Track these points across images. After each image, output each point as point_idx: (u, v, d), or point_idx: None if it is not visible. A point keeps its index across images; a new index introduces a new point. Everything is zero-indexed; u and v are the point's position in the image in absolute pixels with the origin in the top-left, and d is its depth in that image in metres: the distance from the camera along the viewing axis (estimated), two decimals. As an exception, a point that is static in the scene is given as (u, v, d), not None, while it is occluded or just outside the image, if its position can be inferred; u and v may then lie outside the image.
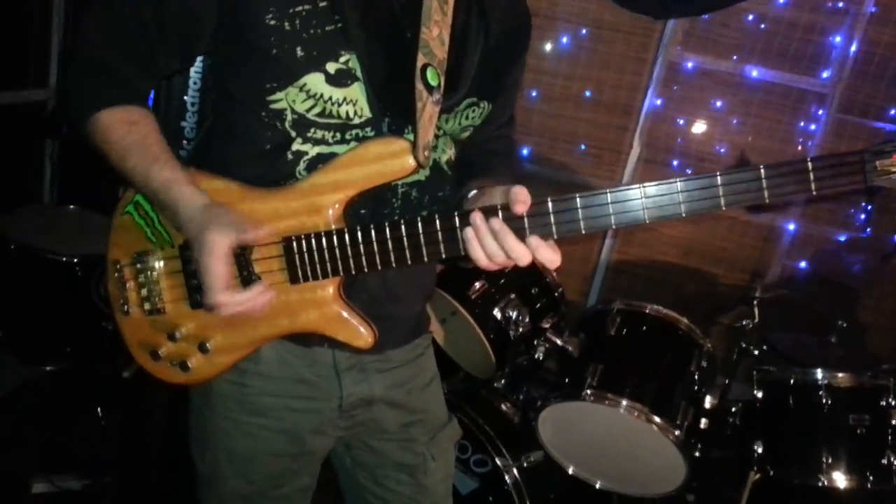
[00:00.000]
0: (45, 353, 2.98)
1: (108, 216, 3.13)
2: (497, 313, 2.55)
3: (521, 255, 1.08)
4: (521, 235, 1.08)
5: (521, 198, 1.07)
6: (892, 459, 2.22)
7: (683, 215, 1.01)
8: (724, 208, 0.99)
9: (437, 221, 1.12)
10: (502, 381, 2.58)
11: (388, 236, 1.14)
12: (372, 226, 1.15)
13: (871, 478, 2.22)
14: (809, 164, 0.95)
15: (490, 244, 1.09)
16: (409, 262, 1.15)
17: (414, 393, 1.46)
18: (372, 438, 1.45)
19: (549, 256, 1.09)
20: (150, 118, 1.24)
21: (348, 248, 1.16)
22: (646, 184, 1.01)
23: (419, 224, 1.13)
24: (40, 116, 3.55)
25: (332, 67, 1.17)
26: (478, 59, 1.30)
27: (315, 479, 1.48)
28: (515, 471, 2.28)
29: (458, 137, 1.36)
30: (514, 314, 2.54)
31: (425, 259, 1.14)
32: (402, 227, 1.14)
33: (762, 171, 0.97)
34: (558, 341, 2.47)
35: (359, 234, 1.16)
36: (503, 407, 2.52)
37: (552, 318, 2.71)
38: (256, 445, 1.35)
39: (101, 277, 1.42)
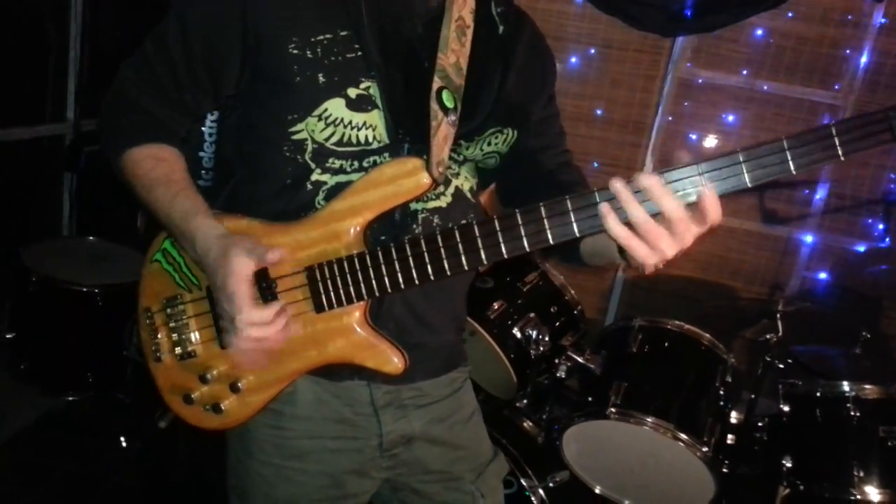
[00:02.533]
0: (66, 383, 2.99)
1: (126, 245, 3.16)
2: (517, 332, 2.54)
3: (680, 214, 0.97)
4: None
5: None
6: (925, 472, 2.19)
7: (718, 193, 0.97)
8: (749, 185, 0.96)
9: (457, 234, 1.11)
10: (524, 401, 2.56)
11: (409, 253, 1.14)
12: (392, 245, 1.16)
13: (904, 491, 2.18)
14: (833, 129, 0.92)
15: (637, 211, 0.98)
16: (432, 276, 1.14)
17: (456, 429, 1.44)
18: (417, 480, 1.42)
19: (716, 205, 0.98)
20: (177, 155, 1.26)
21: (370, 270, 1.16)
22: (664, 170, 0.99)
23: (438, 238, 1.13)
24: (58, 150, 3.60)
25: (353, 93, 1.19)
26: (496, 87, 1.31)
27: None
28: (542, 491, 2.25)
29: (486, 165, 1.36)
30: (534, 333, 2.52)
31: (448, 272, 1.13)
32: (423, 242, 1.13)
33: (784, 142, 0.95)
34: (580, 359, 2.45)
35: (380, 255, 1.16)
36: (526, 426, 2.50)
37: (572, 336, 2.69)
38: (297, 491, 1.33)
39: (133, 327, 1.43)
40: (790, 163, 0.95)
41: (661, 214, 0.98)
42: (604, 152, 3.93)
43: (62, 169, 3.65)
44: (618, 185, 0.98)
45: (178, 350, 1.30)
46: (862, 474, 2.20)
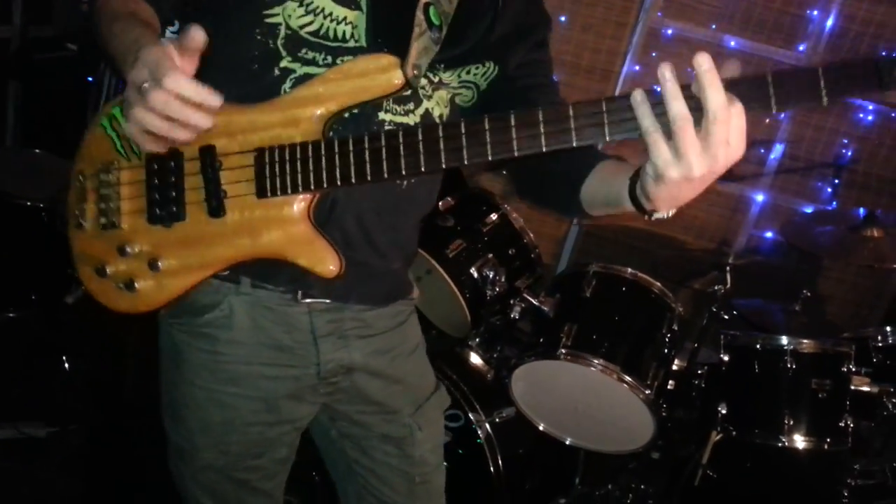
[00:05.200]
0: (8, 300, 2.90)
1: (73, 161, 3.05)
2: (474, 272, 2.55)
3: (723, 115, 0.87)
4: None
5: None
6: (848, 422, 2.31)
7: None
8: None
9: (419, 132, 1.07)
10: (476, 340, 2.60)
11: (367, 146, 1.09)
12: (350, 136, 1.10)
13: (828, 439, 2.31)
14: (820, 71, 0.87)
15: (678, 107, 0.88)
16: (386, 174, 1.08)
17: (397, 362, 1.44)
18: (355, 411, 1.43)
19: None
20: (150, 9, 1.20)
21: (323, 160, 1.11)
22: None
23: (400, 134, 1.08)
24: (3, 56, 3.40)
25: None
26: (486, 25, 1.28)
27: (293, 452, 1.46)
28: (487, 426, 2.31)
29: (462, 100, 1.33)
30: (490, 274, 2.55)
31: (403, 171, 1.08)
32: (382, 137, 1.09)
33: (769, 76, 0.89)
34: (534, 301, 2.49)
35: (335, 144, 1.10)
36: (477, 364, 2.54)
37: (528, 278, 2.73)
38: (231, 415, 1.32)
39: (62, 190, 1.36)
40: (772, 99, 0.90)
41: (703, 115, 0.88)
42: (569, 97, 3.84)
43: (6, 76, 3.46)
44: (668, 73, 0.88)
45: (102, 220, 1.24)
46: (791, 423, 2.31)
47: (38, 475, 2.39)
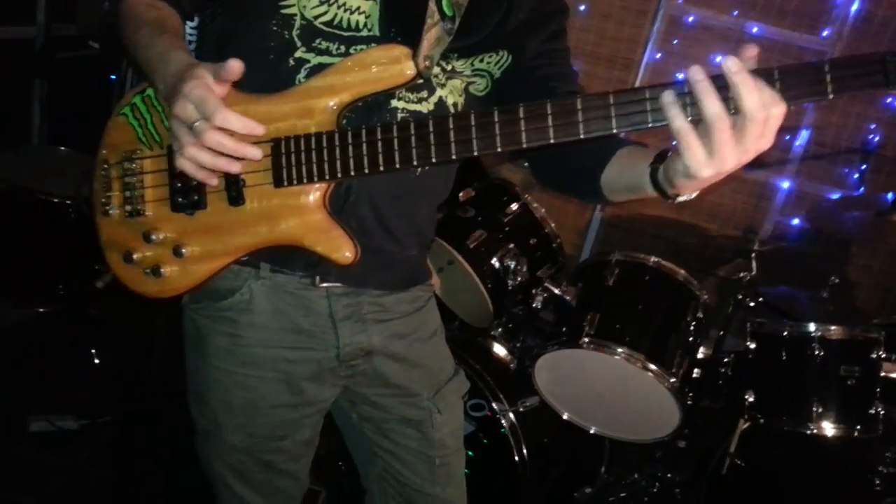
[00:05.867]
0: (37, 295, 2.95)
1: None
2: (495, 262, 2.55)
3: (761, 115, 0.87)
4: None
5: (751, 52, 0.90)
6: (878, 409, 2.27)
7: (689, 118, 0.92)
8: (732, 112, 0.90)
9: (430, 124, 1.08)
10: (499, 330, 2.59)
11: (379, 137, 1.11)
12: (364, 127, 1.12)
13: (858, 426, 2.27)
14: (826, 66, 0.88)
15: (713, 105, 0.88)
16: (398, 164, 1.11)
17: (416, 346, 1.46)
18: (375, 394, 1.44)
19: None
20: (175, 15, 1.22)
21: (337, 150, 1.13)
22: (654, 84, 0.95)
23: (411, 126, 1.10)
24: (27, 55, 3.45)
25: None
26: (500, 15, 1.28)
27: (317, 435, 1.47)
28: (511, 415, 2.31)
29: (476, 88, 1.33)
30: (512, 264, 2.54)
31: (414, 161, 1.10)
32: (394, 128, 1.10)
33: (776, 72, 0.90)
34: (556, 290, 2.48)
35: (349, 135, 1.12)
36: (500, 354, 2.54)
37: (550, 268, 2.72)
38: (254, 396, 1.34)
39: (87, 178, 1.39)
40: (779, 94, 0.89)
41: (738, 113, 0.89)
42: (589, 87, 3.82)
43: (32, 75, 3.51)
44: (699, 75, 0.89)
45: (127, 207, 1.28)
46: (820, 410, 2.28)
47: (71, 466, 2.43)
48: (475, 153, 1.06)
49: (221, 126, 1.04)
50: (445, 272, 2.67)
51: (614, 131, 0.98)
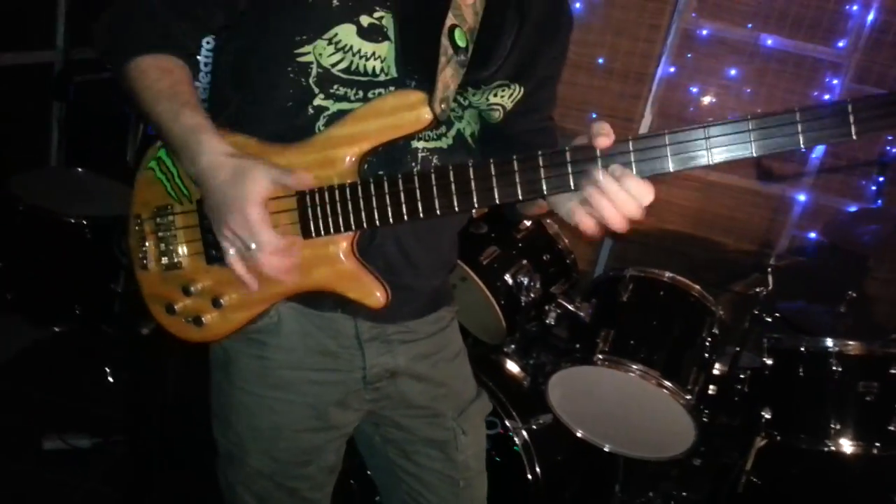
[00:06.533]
0: (53, 315, 2.98)
1: (115, 179, 3.14)
2: (508, 279, 2.54)
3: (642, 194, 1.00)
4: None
5: (605, 131, 1.01)
6: (899, 426, 2.23)
7: (711, 163, 0.96)
8: (755, 155, 0.94)
9: (451, 174, 1.10)
10: (512, 346, 2.58)
11: (401, 188, 1.13)
12: (385, 178, 1.14)
13: (877, 444, 2.23)
14: (849, 107, 0.89)
15: (621, 197, 1.01)
16: (422, 214, 1.13)
17: (440, 366, 1.46)
18: (399, 415, 1.44)
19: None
20: (184, 69, 1.23)
21: (360, 202, 1.15)
22: (674, 129, 0.98)
23: (433, 176, 1.11)
24: (47, 78, 3.51)
25: (364, 21, 1.16)
26: (512, 41, 1.28)
27: (340, 460, 1.47)
28: (525, 433, 2.29)
29: (489, 116, 1.34)
30: (525, 280, 2.53)
31: (437, 212, 1.12)
32: (416, 178, 1.12)
33: (797, 114, 0.91)
34: (570, 307, 2.46)
35: (371, 186, 1.14)
36: (513, 371, 2.53)
37: (563, 284, 2.71)
38: (280, 420, 1.34)
39: (124, 233, 1.42)
40: (800, 136, 0.91)
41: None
42: (603, 102, 3.88)
43: (51, 98, 3.56)
44: (602, 177, 1.01)
45: (164, 260, 1.30)
46: (838, 427, 2.24)
47: (84, 485, 2.44)
48: (497, 202, 1.09)
49: (274, 252, 1.13)
50: (458, 289, 2.66)
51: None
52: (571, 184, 1.03)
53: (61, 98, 3.54)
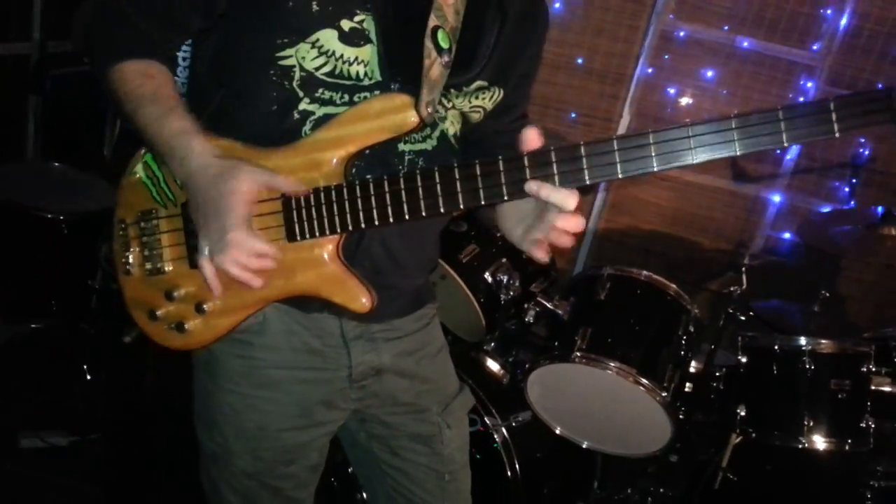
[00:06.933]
0: (30, 311, 2.95)
1: (92, 174, 3.09)
2: (488, 277, 2.56)
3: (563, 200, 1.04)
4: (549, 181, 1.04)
5: (531, 136, 1.05)
6: (869, 423, 2.28)
7: (695, 162, 0.98)
8: (738, 153, 0.95)
9: (437, 175, 1.10)
10: (492, 344, 2.60)
11: (387, 189, 1.13)
12: (371, 180, 1.14)
13: (849, 440, 2.28)
14: (831, 104, 0.90)
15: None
16: (407, 216, 1.13)
17: (423, 362, 1.47)
18: (385, 412, 1.45)
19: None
20: (166, 73, 1.23)
21: (346, 204, 1.15)
22: (662, 128, 1.00)
23: (418, 178, 1.12)
24: (23, 71, 3.46)
25: (346, 25, 1.16)
26: (493, 42, 1.29)
27: (324, 459, 1.47)
28: (504, 430, 2.31)
29: (469, 117, 1.36)
30: (505, 278, 2.55)
31: (423, 213, 1.12)
32: (401, 180, 1.12)
33: (780, 113, 0.93)
34: (548, 305, 2.49)
35: (357, 188, 1.14)
36: (492, 368, 2.55)
37: (542, 282, 2.73)
38: (265, 419, 1.34)
39: (107, 237, 1.41)
40: (783, 134, 0.93)
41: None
42: (582, 102, 3.91)
43: (27, 91, 3.52)
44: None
45: (147, 266, 1.29)
46: (811, 423, 2.29)
47: (62, 483, 2.42)
48: (483, 203, 1.09)
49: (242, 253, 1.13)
50: (438, 287, 2.67)
51: (619, 176, 1.02)
52: (556, 182, 1.04)
53: (38, 91, 3.49)
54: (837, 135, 0.91)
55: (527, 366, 2.42)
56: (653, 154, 0.99)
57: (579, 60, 3.86)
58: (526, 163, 1.05)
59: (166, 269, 1.28)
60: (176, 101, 1.19)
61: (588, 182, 1.03)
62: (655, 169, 1.00)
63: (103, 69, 1.20)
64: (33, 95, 3.55)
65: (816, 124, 0.91)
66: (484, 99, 1.33)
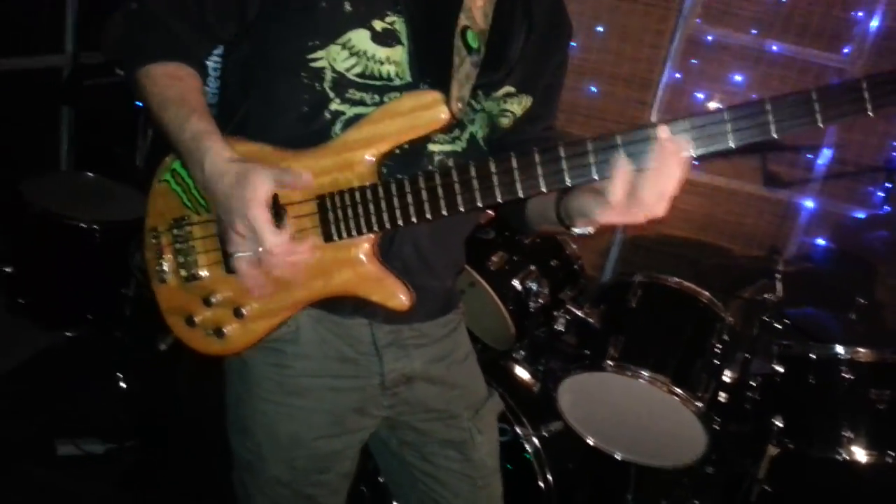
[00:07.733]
0: (64, 320, 2.99)
1: (125, 183, 3.14)
2: (517, 284, 2.54)
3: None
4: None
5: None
6: (912, 435, 2.23)
7: (733, 146, 0.98)
8: (774, 136, 0.95)
9: (472, 168, 1.10)
10: (521, 353, 2.58)
11: (423, 186, 1.13)
12: (406, 178, 1.14)
13: (891, 452, 2.23)
14: (864, 83, 0.91)
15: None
16: (445, 212, 1.12)
17: (453, 368, 1.47)
18: (417, 419, 1.45)
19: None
20: (194, 76, 1.24)
21: (382, 202, 1.15)
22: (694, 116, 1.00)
23: (453, 172, 1.11)
24: (56, 83, 3.52)
25: (378, 25, 1.17)
26: (521, 41, 1.30)
27: (355, 466, 1.47)
28: (535, 440, 2.29)
29: (499, 122, 1.35)
30: (533, 286, 2.53)
31: (461, 208, 1.11)
32: (437, 176, 1.12)
33: (813, 94, 0.93)
34: (578, 313, 2.47)
35: (393, 187, 1.14)
36: (523, 377, 2.53)
37: (571, 290, 2.71)
38: (298, 428, 1.35)
39: (139, 246, 1.41)
40: (817, 115, 0.93)
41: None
42: (608, 108, 3.89)
43: (60, 102, 3.57)
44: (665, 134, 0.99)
45: (182, 272, 1.29)
46: (851, 435, 2.24)
47: (97, 491, 2.44)
48: (521, 195, 1.08)
49: (280, 253, 1.13)
50: (467, 294, 2.66)
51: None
52: (594, 173, 1.03)
53: (71, 102, 3.55)
54: (871, 113, 0.91)
55: (558, 374, 2.40)
56: (729, 131, 0.98)
57: (606, 66, 3.84)
58: (562, 153, 1.04)
59: (202, 274, 1.28)
60: (199, 104, 1.19)
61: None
62: (732, 146, 0.99)
63: (133, 71, 1.21)
64: (66, 107, 3.60)
65: (850, 102, 0.92)
66: (513, 104, 1.33)
